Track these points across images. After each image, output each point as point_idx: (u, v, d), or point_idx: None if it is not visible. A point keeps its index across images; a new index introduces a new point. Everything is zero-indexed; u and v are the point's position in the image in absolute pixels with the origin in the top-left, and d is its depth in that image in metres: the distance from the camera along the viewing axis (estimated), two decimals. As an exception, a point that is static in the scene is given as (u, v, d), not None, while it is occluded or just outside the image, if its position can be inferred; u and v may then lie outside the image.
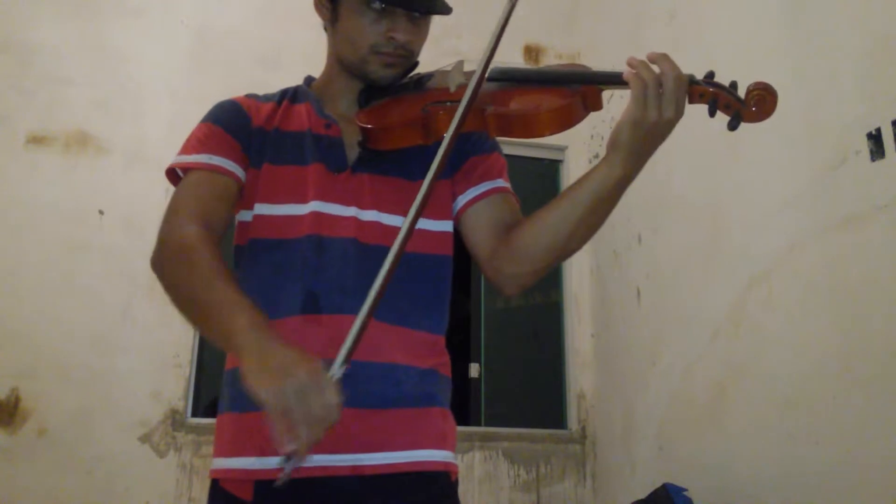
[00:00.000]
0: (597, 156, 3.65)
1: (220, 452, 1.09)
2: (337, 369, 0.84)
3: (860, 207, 1.95)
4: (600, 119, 3.44)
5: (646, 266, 3.08)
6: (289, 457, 0.77)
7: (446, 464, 1.09)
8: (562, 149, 3.80)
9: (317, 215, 1.09)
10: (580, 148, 3.75)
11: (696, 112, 1.05)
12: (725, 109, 0.99)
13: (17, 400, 2.87)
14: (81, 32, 3.32)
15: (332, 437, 1.01)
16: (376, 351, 1.06)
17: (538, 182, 3.80)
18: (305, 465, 0.77)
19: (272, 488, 1.01)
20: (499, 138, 1.20)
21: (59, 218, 3.08)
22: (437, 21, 1.21)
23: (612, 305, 3.40)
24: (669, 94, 0.96)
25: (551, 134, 1.05)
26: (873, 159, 1.92)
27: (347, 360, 0.86)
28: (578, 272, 3.63)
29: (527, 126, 1.05)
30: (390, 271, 0.90)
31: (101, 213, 3.13)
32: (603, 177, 1.03)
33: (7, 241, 3.02)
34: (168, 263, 1.02)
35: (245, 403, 1.05)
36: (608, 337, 3.42)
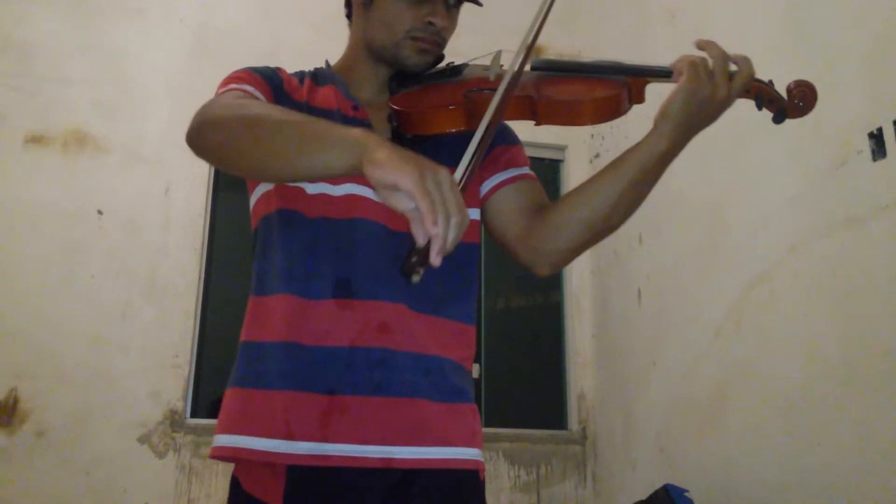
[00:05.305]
0: (597, 155, 3.65)
1: (235, 429, 1.02)
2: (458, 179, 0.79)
3: (862, 207, 1.94)
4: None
5: (646, 266, 3.07)
6: (427, 247, 0.72)
7: (476, 462, 1.07)
8: (562, 148, 3.79)
9: (352, 198, 1.07)
10: (580, 148, 3.74)
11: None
12: (769, 105, 1.05)
13: (16, 400, 2.87)
14: (80, 32, 3.31)
15: (364, 427, 0.99)
16: (410, 341, 1.04)
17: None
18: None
19: (305, 485, 0.98)
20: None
21: (57, 218, 3.07)
22: None
23: (612, 305, 3.39)
24: (720, 71, 0.99)
25: (596, 123, 1.06)
26: (875, 159, 1.91)
27: (466, 175, 0.81)
28: (579, 272, 3.62)
29: (574, 114, 1.05)
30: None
31: (99, 212, 3.13)
32: (649, 148, 1.03)
33: (6, 240, 3.01)
34: (230, 112, 0.95)
35: (272, 381, 1.02)
36: (608, 337, 3.42)
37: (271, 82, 1.13)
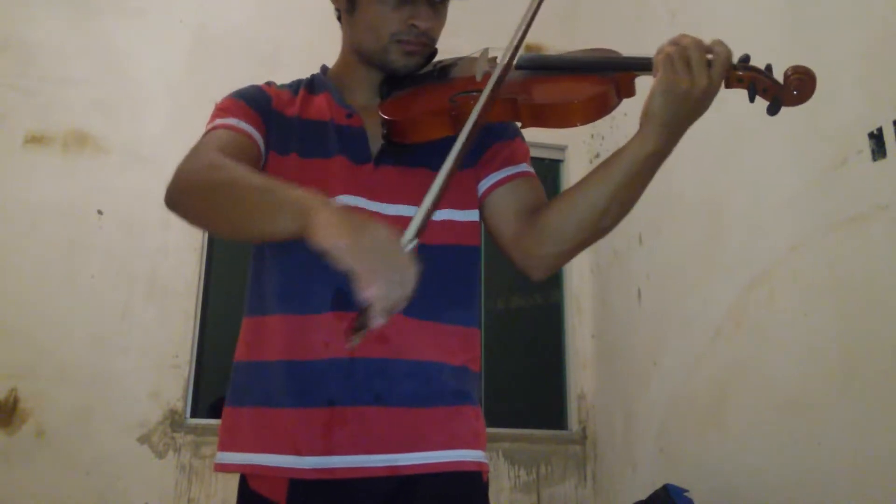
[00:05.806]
0: (597, 155, 3.65)
1: (240, 447, 1.05)
2: (407, 243, 0.81)
3: (862, 207, 1.94)
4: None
5: (646, 266, 3.07)
6: (366, 309, 0.75)
7: (479, 463, 1.07)
8: (562, 148, 3.79)
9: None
10: (580, 148, 3.74)
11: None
12: (763, 94, 0.98)
13: (16, 400, 2.87)
14: (81, 32, 3.31)
15: (366, 438, 1.00)
16: (409, 348, 1.04)
17: (538, 182, 3.79)
18: (376, 325, 0.74)
19: (307, 488, 1.00)
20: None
21: (57, 218, 3.07)
22: None
23: (612, 305, 3.39)
24: (696, 60, 0.95)
25: (585, 123, 1.02)
26: (875, 159, 1.91)
27: (418, 234, 0.83)
28: (578, 272, 3.62)
29: (561, 115, 1.02)
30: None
31: (99, 212, 3.13)
32: (636, 150, 1.00)
33: (6, 240, 3.01)
34: (196, 177, 0.97)
35: (275, 399, 1.03)
36: (608, 337, 3.42)
37: (257, 105, 1.13)
